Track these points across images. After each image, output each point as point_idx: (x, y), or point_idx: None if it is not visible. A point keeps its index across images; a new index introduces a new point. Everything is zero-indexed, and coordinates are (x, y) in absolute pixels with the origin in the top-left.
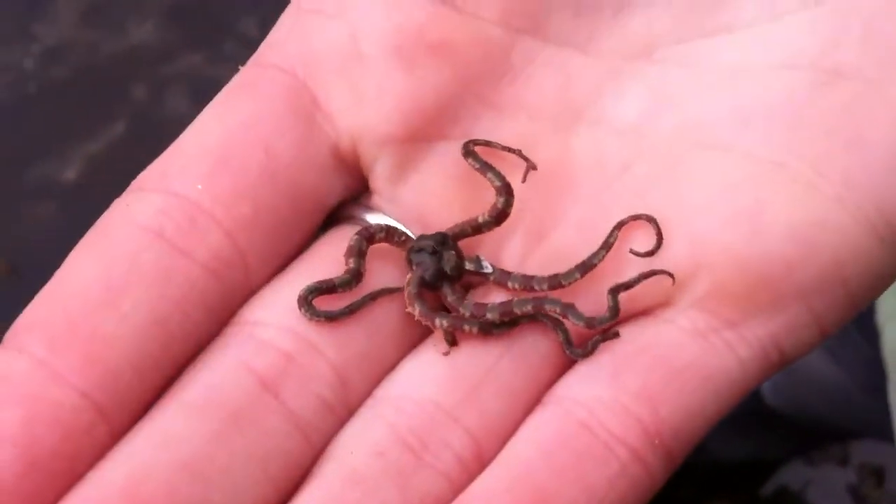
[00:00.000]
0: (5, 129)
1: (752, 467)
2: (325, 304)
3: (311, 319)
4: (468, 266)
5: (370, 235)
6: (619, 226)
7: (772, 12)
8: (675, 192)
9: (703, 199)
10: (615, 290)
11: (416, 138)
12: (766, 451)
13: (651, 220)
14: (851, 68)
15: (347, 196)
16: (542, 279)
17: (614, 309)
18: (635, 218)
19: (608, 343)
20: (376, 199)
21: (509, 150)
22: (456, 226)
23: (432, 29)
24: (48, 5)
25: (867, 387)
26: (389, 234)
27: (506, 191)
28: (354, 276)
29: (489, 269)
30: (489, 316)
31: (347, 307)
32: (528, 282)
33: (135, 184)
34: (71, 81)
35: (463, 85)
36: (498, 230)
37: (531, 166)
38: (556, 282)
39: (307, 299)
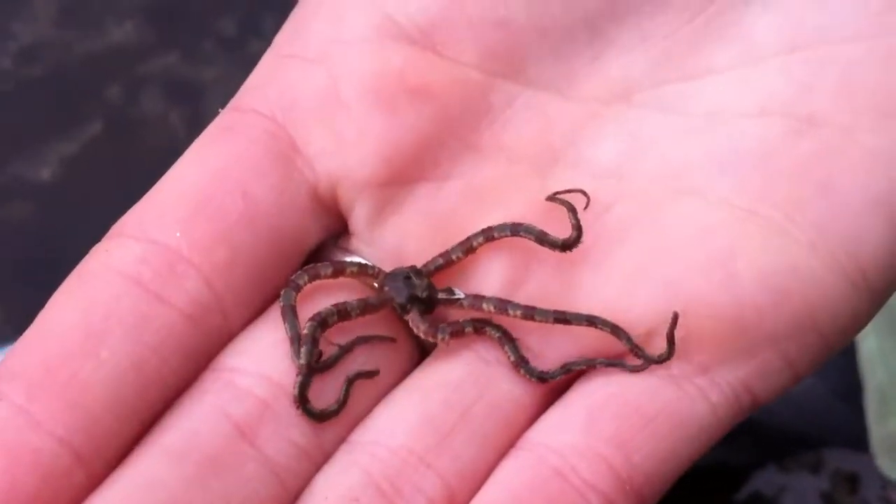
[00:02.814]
0: None
1: (724, 473)
2: None
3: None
4: (441, 295)
5: (323, 321)
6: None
7: (748, 57)
8: (651, 236)
9: (679, 245)
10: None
11: (396, 181)
12: (739, 457)
13: (570, 207)
14: (825, 115)
15: (327, 237)
16: (515, 304)
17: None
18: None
19: (582, 387)
20: (355, 242)
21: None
22: (430, 261)
23: (412, 73)
24: (26, 3)
25: (841, 393)
26: (341, 313)
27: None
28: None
29: (461, 296)
30: (440, 336)
31: (333, 408)
32: (502, 305)
33: (114, 229)
34: (47, 80)
35: (443, 127)
36: (476, 275)
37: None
38: (530, 312)
39: (303, 396)
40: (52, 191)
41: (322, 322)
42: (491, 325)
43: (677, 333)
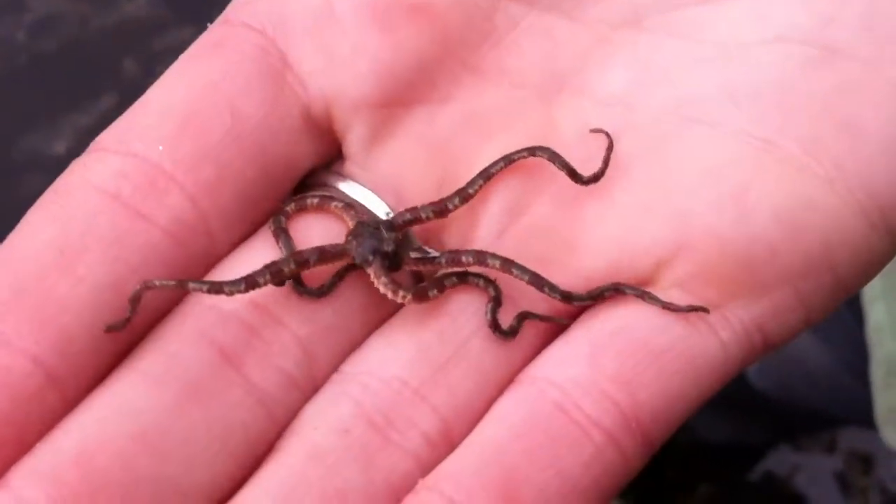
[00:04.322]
0: None
1: (738, 452)
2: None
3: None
4: (412, 254)
5: (278, 270)
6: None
7: None
8: (660, 168)
9: (689, 178)
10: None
11: (393, 102)
12: (753, 436)
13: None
14: (847, 46)
15: (319, 162)
16: (494, 255)
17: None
18: (531, 153)
19: (587, 323)
20: (349, 167)
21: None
22: (401, 213)
23: None
24: None
25: (855, 370)
26: (298, 262)
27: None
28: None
29: (434, 254)
30: (402, 294)
31: (318, 289)
32: (481, 256)
33: (94, 144)
34: (61, 54)
35: (443, 48)
36: (474, 206)
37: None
38: (507, 266)
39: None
40: (67, 164)
41: (277, 272)
42: (491, 258)
43: (686, 267)
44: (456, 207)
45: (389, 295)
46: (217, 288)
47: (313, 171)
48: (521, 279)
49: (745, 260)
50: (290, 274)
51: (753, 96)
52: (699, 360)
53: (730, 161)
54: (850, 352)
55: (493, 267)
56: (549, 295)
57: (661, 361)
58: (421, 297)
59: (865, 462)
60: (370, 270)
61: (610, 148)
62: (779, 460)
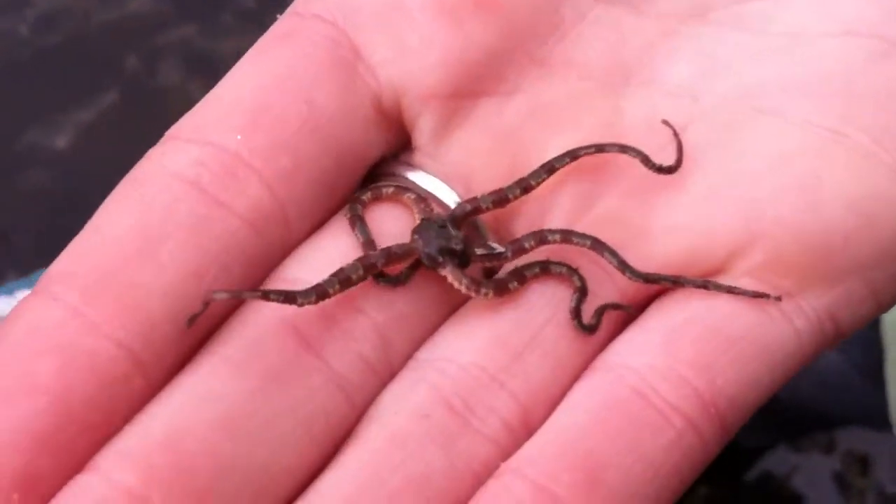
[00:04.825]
0: None
1: (736, 452)
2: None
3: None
4: (479, 251)
5: (346, 278)
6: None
7: None
8: (729, 158)
9: (759, 167)
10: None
11: (461, 94)
12: (751, 436)
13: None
14: None
15: (388, 152)
16: (552, 231)
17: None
18: (599, 149)
19: (660, 311)
20: (418, 156)
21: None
22: (461, 204)
23: None
24: None
25: (865, 369)
26: (367, 267)
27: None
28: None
29: (501, 250)
30: (483, 290)
31: (395, 277)
32: (540, 236)
33: (169, 133)
34: (64, 49)
35: (510, 40)
36: (543, 197)
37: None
38: (568, 234)
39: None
40: (69, 159)
41: (346, 280)
42: (550, 234)
43: (759, 256)
44: (516, 197)
45: (472, 294)
46: (291, 297)
47: (381, 160)
48: (583, 245)
49: (819, 249)
50: (358, 280)
51: (819, 87)
52: (774, 348)
53: (799, 150)
54: (860, 351)
55: (554, 241)
56: (613, 263)
57: (737, 348)
58: (501, 290)
59: (863, 463)
60: (444, 272)
61: (679, 138)
62: (776, 461)
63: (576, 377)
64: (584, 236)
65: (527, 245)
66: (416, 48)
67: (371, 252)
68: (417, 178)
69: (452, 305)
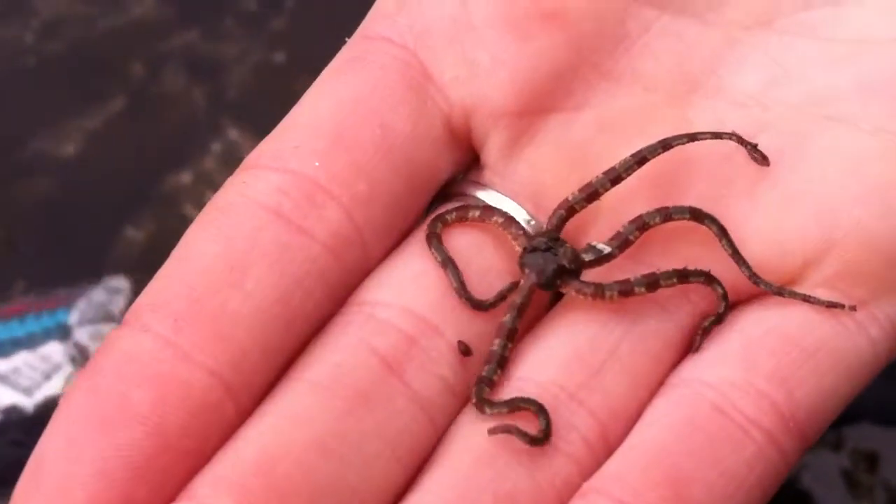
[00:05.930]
0: (3, 103)
1: None
2: None
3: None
4: (587, 257)
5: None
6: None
7: None
8: (801, 166)
9: (832, 176)
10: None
11: (531, 111)
12: None
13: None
14: None
15: (456, 172)
16: (651, 213)
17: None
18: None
19: (734, 324)
20: (488, 175)
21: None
22: (555, 212)
23: None
24: None
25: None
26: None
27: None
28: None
29: (607, 250)
30: (608, 293)
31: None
32: (639, 222)
33: (248, 161)
34: (68, 56)
35: (577, 55)
36: (615, 206)
37: (752, 155)
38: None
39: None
40: (75, 166)
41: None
42: (649, 216)
43: (834, 266)
44: (606, 190)
45: (599, 301)
46: None
47: (451, 180)
48: (682, 218)
49: (893, 256)
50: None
51: (888, 91)
52: (851, 357)
53: (871, 157)
54: None
55: (655, 223)
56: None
57: (814, 359)
58: (627, 292)
59: (871, 460)
60: (567, 290)
61: (749, 145)
62: None
63: (652, 393)
64: (681, 209)
65: (630, 237)
66: (486, 66)
67: (504, 320)
68: (487, 196)
69: (528, 324)
